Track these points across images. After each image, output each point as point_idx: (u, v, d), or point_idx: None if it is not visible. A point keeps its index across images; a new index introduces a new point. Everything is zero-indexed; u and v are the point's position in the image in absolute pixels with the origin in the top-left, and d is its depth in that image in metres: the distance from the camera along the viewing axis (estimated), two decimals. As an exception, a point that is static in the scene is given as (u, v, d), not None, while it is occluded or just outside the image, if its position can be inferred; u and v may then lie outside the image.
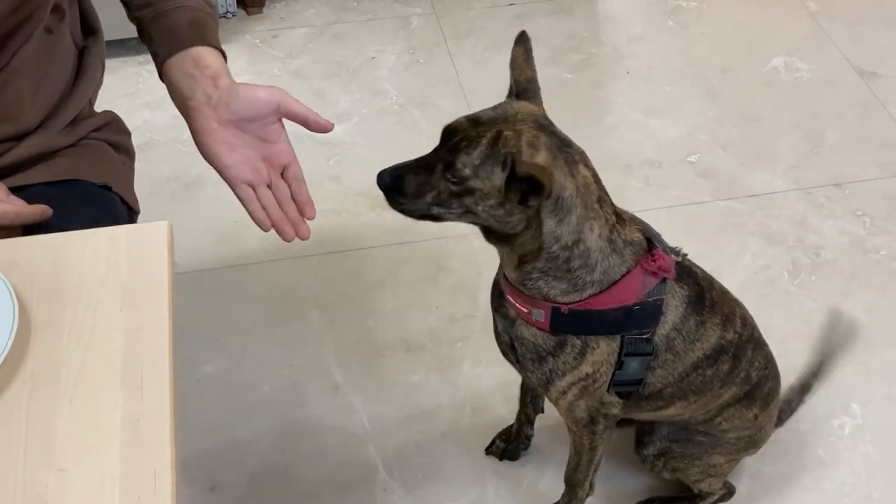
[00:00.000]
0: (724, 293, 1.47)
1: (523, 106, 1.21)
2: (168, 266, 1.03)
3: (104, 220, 1.33)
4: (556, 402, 1.45)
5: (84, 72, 1.39)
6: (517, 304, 1.32)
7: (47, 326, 0.97)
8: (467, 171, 1.15)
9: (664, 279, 1.31)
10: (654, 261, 1.28)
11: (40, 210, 1.19)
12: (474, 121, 1.18)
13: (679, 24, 2.92)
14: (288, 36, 2.81)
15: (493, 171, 1.15)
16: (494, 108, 1.21)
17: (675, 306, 1.35)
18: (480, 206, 1.18)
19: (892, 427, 1.93)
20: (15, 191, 1.23)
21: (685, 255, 1.36)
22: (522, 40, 1.26)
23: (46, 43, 1.29)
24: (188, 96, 1.21)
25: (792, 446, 1.88)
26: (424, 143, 2.59)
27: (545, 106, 1.23)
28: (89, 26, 1.43)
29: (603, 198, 1.24)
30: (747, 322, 1.50)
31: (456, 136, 1.18)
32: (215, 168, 1.25)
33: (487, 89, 2.64)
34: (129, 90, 2.61)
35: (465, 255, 2.21)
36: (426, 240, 2.22)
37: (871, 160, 2.50)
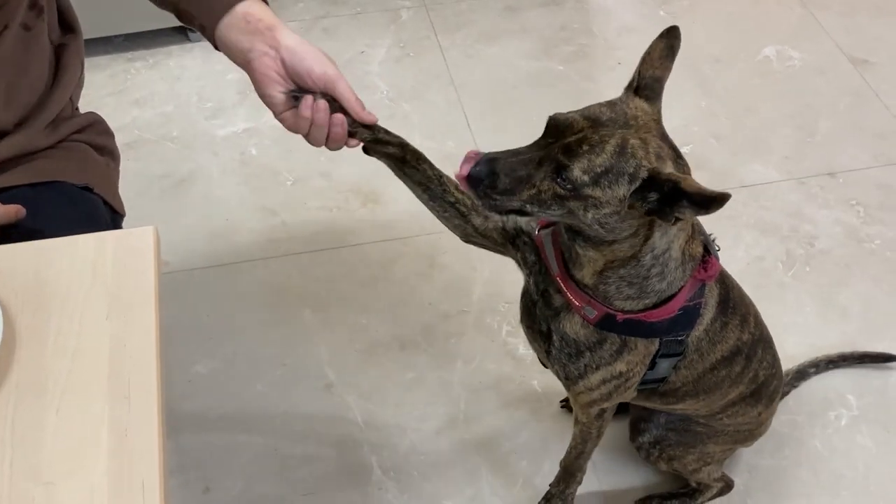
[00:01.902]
0: (741, 292, 1.45)
1: (641, 107, 1.11)
2: (154, 272, 1.01)
3: (84, 222, 1.32)
4: (577, 396, 1.42)
5: (63, 71, 1.37)
6: (571, 296, 1.26)
7: (33, 336, 0.95)
8: (585, 179, 1.06)
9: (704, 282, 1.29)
10: (705, 269, 1.24)
11: (14, 210, 1.18)
12: (593, 120, 1.08)
13: (671, 15, 2.90)
14: (277, 31, 2.78)
15: (618, 181, 1.06)
16: (611, 105, 1.10)
17: (710, 306, 1.33)
18: (590, 213, 1.10)
19: (889, 418, 1.92)
20: None
21: (719, 248, 1.30)
22: (671, 36, 1.15)
23: (24, 40, 1.27)
24: (249, 48, 1.20)
25: (789, 439, 1.88)
26: (417, 139, 2.58)
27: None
28: (67, 24, 1.40)
29: None
30: (758, 321, 1.49)
31: (570, 135, 1.08)
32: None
33: (478, 82, 2.64)
34: (118, 88, 2.59)
35: (458, 250, 2.18)
36: (419, 235, 2.21)
37: (864, 149, 2.49)
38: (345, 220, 2.28)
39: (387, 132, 1.28)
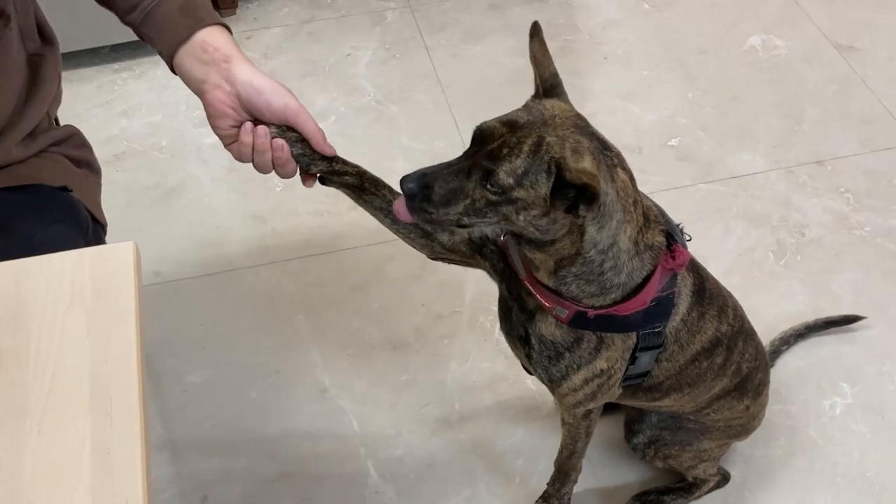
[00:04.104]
0: (717, 284, 1.45)
1: (557, 106, 1.14)
2: (135, 288, 0.99)
3: (65, 220, 1.31)
4: (562, 398, 1.42)
5: (39, 83, 1.34)
6: (541, 298, 1.26)
7: (12, 356, 0.94)
8: (510, 181, 1.08)
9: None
10: (673, 258, 1.24)
11: None
12: (510, 125, 1.10)
13: (654, 7, 2.89)
14: (262, 36, 2.77)
15: (538, 179, 1.08)
16: (527, 109, 1.13)
17: (685, 295, 1.33)
18: (521, 216, 1.11)
19: (883, 405, 1.91)
20: None
21: (689, 237, 1.31)
22: (536, 32, 1.18)
23: None
24: (203, 79, 1.18)
25: (783, 429, 1.87)
26: (405, 140, 2.57)
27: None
28: (45, 37, 1.37)
29: (637, 199, 1.18)
30: (738, 313, 1.49)
31: (492, 142, 1.10)
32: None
33: (465, 81, 2.63)
34: (105, 99, 2.58)
35: (448, 250, 2.18)
36: (409, 237, 2.19)
37: (851, 136, 2.48)
38: (335, 225, 2.27)
39: (345, 162, 1.28)
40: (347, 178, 1.29)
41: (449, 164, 1.12)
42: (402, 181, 1.12)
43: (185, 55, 1.19)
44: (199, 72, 1.18)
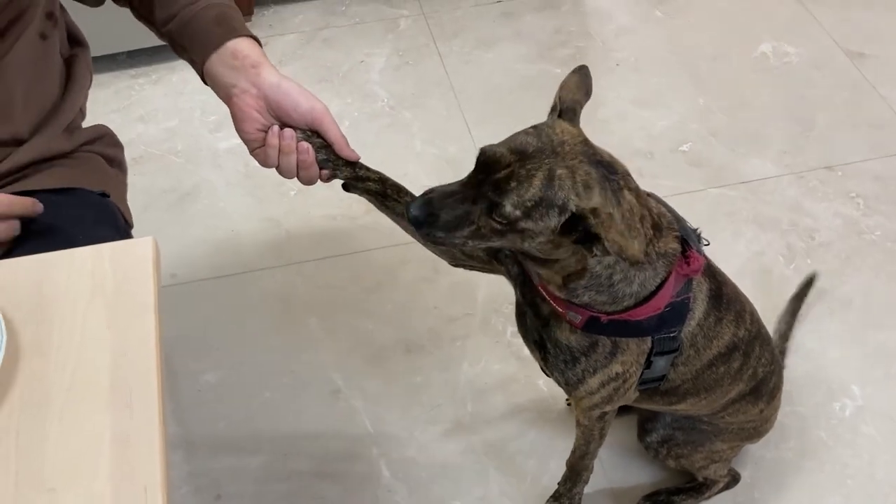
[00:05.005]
0: (735, 289, 1.45)
1: (567, 130, 1.12)
2: (154, 282, 1.01)
3: (106, 222, 1.36)
4: (579, 401, 1.43)
5: (74, 79, 1.40)
6: (554, 304, 1.27)
7: (35, 348, 0.96)
8: (517, 213, 1.08)
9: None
10: (687, 264, 1.24)
11: (30, 202, 1.20)
12: (520, 154, 1.09)
13: (666, 14, 2.90)
14: (278, 43, 2.80)
15: (548, 214, 1.08)
16: (537, 132, 1.11)
17: (701, 300, 1.33)
18: (527, 243, 1.12)
19: (892, 407, 1.92)
20: None
21: (707, 242, 1.31)
22: (582, 73, 1.20)
23: (40, 48, 1.31)
24: (232, 83, 1.22)
25: (794, 431, 1.88)
26: (418, 146, 2.59)
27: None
28: (75, 39, 1.44)
29: (644, 214, 1.17)
30: (755, 318, 1.49)
31: (499, 171, 1.09)
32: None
33: (477, 87, 2.64)
34: (122, 104, 2.60)
35: (461, 253, 2.19)
36: (422, 240, 2.21)
37: (861, 141, 2.48)
38: (348, 228, 2.28)
39: (367, 168, 1.29)
40: (370, 184, 1.30)
41: (453, 192, 1.12)
42: (407, 207, 1.13)
43: (216, 62, 1.23)
44: (229, 77, 1.22)
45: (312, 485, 1.82)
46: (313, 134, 1.23)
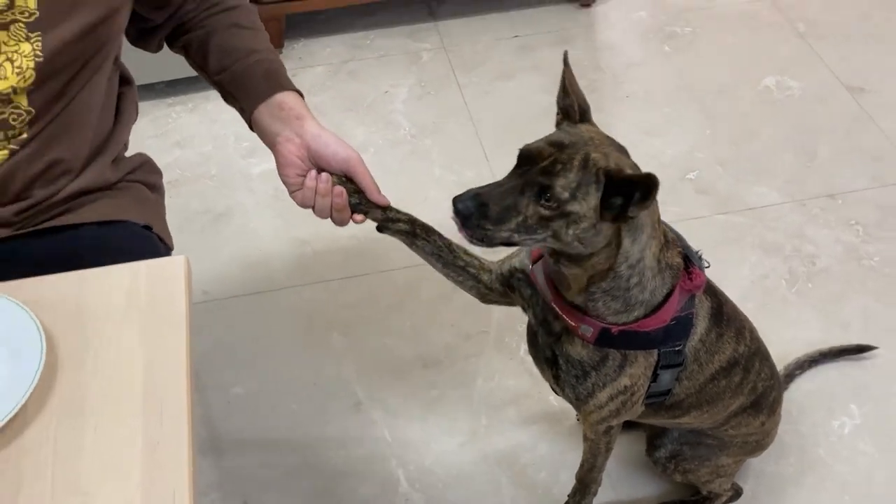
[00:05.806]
0: (735, 308, 1.46)
1: (591, 129, 1.17)
2: (186, 299, 1.02)
3: (149, 253, 1.36)
4: (588, 416, 1.43)
5: (122, 115, 1.43)
6: (567, 318, 1.28)
7: (72, 360, 0.97)
8: (566, 195, 1.09)
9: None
10: (690, 280, 1.26)
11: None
12: (557, 144, 1.12)
13: (674, 50, 2.91)
14: (307, 74, 2.82)
15: (589, 191, 1.10)
16: (567, 132, 1.15)
17: (702, 317, 1.34)
18: (571, 230, 1.12)
19: (890, 426, 1.90)
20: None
21: (708, 264, 1.32)
22: (566, 61, 1.21)
23: (106, 89, 1.35)
24: (277, 132, 1.28)
25: (794, 448, 1.86)
26: (437, 172, 2.60)
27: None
28: (123, 77, 1.46)
29: (660, 219, 1.22)
30: (754, 335, 1.50)
31: (542, 160, 1.11)
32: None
33: (494, 116, 2.65)
34: (160, 131, 2.63)
35: (477, 274, 2.20)
36: (440, 261, 2.21)
37: (862, 171, 2.47)
38: (372, 248, 2.29)
39: (397, 211, 1.31)
40: (401, 224, 1.32)
41: (499, 184, 1.13)
42: (455, 201, 1.12)
43: (263, 112, 1.28)
44: (275, 126, 1.28)
45: (334, 492, 1.82)
46: (348, 180, 1.26)
